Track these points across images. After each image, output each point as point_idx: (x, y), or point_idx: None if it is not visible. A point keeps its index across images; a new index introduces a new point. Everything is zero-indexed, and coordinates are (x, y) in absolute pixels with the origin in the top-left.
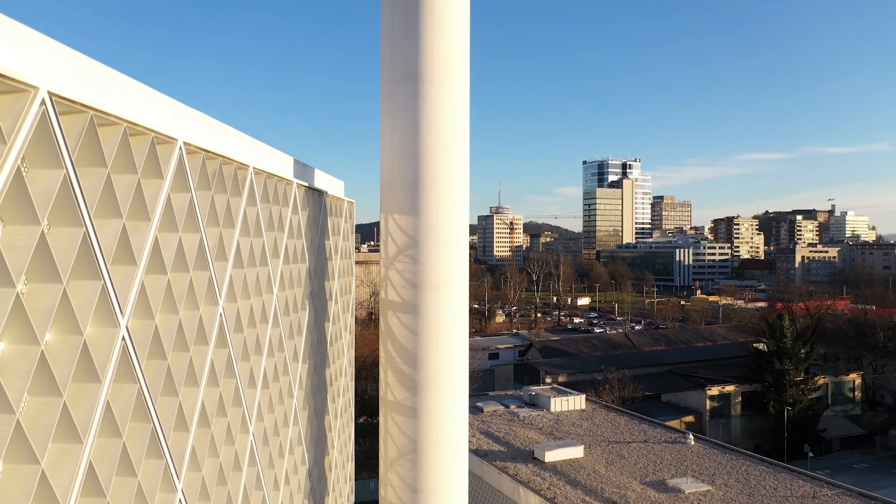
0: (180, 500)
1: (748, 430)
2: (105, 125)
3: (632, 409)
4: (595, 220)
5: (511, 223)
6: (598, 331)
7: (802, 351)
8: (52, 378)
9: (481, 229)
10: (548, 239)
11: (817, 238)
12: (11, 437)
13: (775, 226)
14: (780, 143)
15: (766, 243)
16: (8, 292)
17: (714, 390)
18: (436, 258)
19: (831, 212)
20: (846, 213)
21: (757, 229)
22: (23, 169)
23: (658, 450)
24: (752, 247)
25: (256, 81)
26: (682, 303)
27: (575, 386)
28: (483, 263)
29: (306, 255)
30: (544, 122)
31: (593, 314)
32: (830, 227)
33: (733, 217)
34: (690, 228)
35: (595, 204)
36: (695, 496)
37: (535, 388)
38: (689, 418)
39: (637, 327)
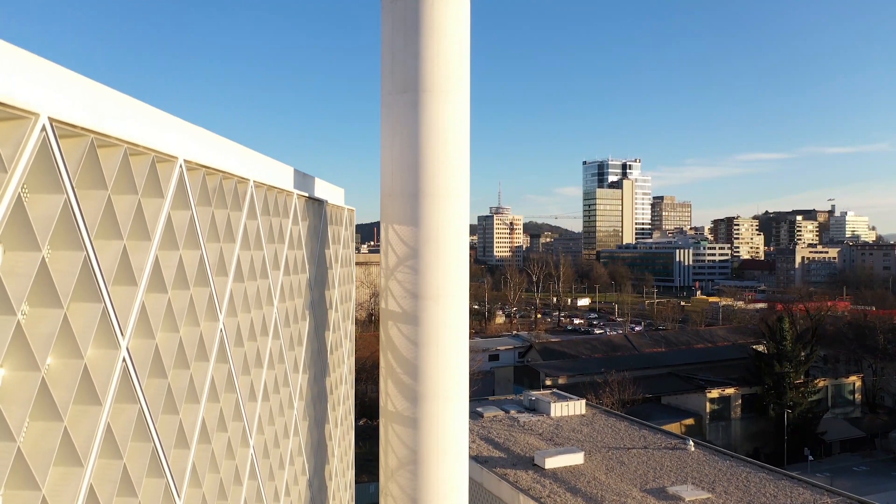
0: None
1: (748, 433)
2: (105, 146)
3: (632, 411)
4: (595, 221)
5: (511, 223)
6: (598, 332)
7: (802, 354)
8: (52, 403)
9: (481, 229)
10: (548, 239)
11: (817, 238)
12: (12, 466)
13: (775, 226)
14: (780, 143)
15: (766, 244)
16: (9, 320)
17: (714, 393)
18: (436, 269)
19: (831, 212)
20: (846, 213)
21: (757, 230)
22: (23, 195)
23: (658, 456)
24: (752, 247)
25: (256, 81)
26: (682, 303)
27: (575, 388)
28: (483, 264)
29: (306, 266)
30: (544, 122)
31: (593, 315)
32: (830, 228)
33: (733, 217)
34: (690, 229)
35: (595, 204)
36: None
37: (535, 393)
38: (690, 421)
39: (637, 328)
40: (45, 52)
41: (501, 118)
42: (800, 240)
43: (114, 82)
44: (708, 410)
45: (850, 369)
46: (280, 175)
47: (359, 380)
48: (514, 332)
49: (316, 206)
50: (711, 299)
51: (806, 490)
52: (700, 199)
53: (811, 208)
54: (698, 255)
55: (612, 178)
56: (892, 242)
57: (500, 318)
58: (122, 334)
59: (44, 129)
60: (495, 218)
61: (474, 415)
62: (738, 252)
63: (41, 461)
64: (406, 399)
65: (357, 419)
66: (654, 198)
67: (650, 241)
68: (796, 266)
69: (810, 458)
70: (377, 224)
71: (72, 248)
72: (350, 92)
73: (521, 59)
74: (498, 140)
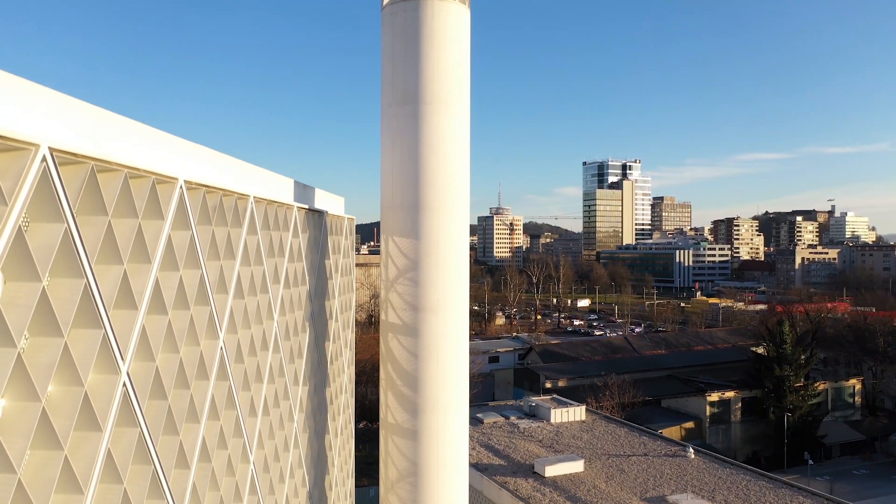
0: None
1: (748, 436)
2: (106, 171)
3: (632, 414)
4: (595, 221)
5: (511, 224)
6: (598, 333)
7: (802, 357)
8: (52, 432)
9: (481, 230)
10: (548, 240)
11: (817, 239)
12: (13, 497)
13: (775, 227)
14: (780, 143)
15: (766, 244)
16: (9, 352)
17: (714, 396)
18: (436, 281)
19: (831, 212)
20: (846, 213)
21: (757, 230)
22: (23, 226)
23: (658, 463)
24: (752, 248)
25: (256, 81)
26: (682, 304)
27: (575, 391)
28: (483, 264)
29: (307, 278)
30: (544, 122)
31: (593, 316)
32: (830, 228)
33: (733, 218)
34: (690, 229)
35: (595, 205)
36: None
37: (535, 399)
38: (690, 424)
39: (637, 330)
40: (45, 52)
41: (501, 118)
42: (800, 240)
43: (114, 83)
44: (708, 414)
45: (850, 372)
46: (280, 189)
47: (359, 382)
48: (514, 333)
49: (316, 217)
50: (711, 300)
51: (806, 499)
52: (700, 199)
53: (811, 208)
54: (698, 255)
55: (612, 179)
56: (892, 243)
57: (499, 320)
58: (122, 359)
59: (44, 159)
60: (495, 218)
61: (474, 421)
62: (738, 253)
63: (41, 490)
64: (406, 411)
65: (357, 421)
66: (653, 198)
67: (650, 241)
68: (796, 267)
69: (810, 461)
70: (377, 224)
71: (72, 275)
72: (350, 92)
73: (522, 60)
74: (498, 140)
